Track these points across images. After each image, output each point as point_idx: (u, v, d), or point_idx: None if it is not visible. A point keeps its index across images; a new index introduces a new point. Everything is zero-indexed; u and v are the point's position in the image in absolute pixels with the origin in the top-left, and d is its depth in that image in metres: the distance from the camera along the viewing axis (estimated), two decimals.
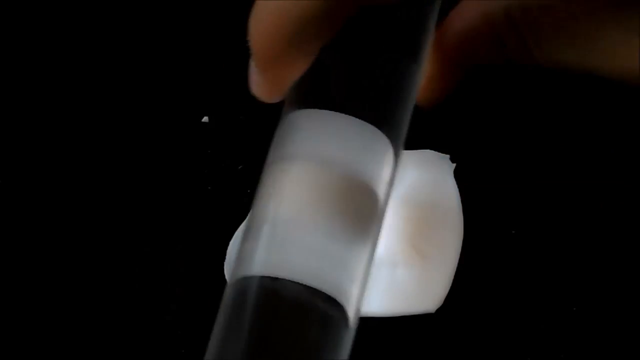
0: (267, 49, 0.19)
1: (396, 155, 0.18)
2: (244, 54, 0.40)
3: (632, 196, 0.30)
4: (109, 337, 0.26)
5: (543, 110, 0.32)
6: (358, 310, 0.17)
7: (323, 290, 0.16)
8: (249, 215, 0.30)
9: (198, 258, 0.28)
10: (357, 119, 0.18)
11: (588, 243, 0.29)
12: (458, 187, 0.30)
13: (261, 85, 0.21)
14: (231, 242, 0.29)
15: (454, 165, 0.31)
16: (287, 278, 0.16)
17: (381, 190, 0.18)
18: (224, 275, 0.28)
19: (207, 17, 0.38)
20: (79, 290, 0.28)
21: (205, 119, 0.34)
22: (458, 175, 0.31)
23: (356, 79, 0.19)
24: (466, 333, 0.26)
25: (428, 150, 0.29)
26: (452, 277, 0.27)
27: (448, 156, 0.30)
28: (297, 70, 0.19)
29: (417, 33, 0.19)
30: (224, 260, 0.28)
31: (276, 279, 0.16)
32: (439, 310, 0.27)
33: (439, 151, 0.30)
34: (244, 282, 0.17)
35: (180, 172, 0.32)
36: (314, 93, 0.20)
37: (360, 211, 0.17)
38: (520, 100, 0.32)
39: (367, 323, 0.26)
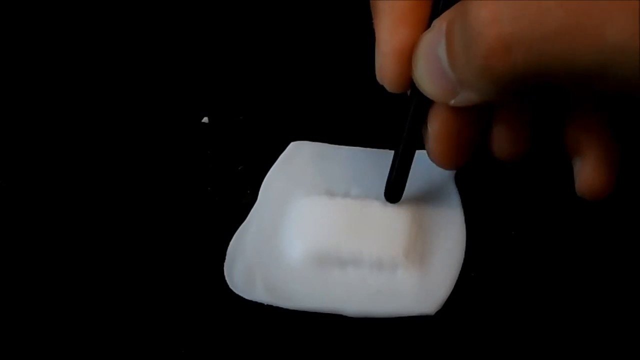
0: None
1: None
2: (244, 54, 0.40)
3: (632, 196, 0.30)
4: (108, 337, 0.26)
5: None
6: None
7: None
8: (249, 215, 0.30)
9: (198, 258, 0.28)
10: None
11: (588, 243, 0.29)
12: (458, 187, 0.30)
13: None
14: (231, 243, 0.29)
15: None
16: None
17: None
18: (224, 276, 0.28)
19: (207, 17, 0.38)
20: (79, 290, 0.27)
21: (205, 119, 0.34)
22: (458, 175, 0.31)
23: None
24: (466, 335, 0.26)
25: None
26: (454, 281, 0.27)
27: None
28: None
29: None
30: (224, 261, 0.28)
31: None
32: (438, 312, 0.27)
33: None
34: None
35: (180, 172, 0.32)
36: None
37: None
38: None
39: (366, 324, 0.26)
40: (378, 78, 0.25)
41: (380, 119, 0.33)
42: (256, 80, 0.35)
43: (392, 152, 0.32)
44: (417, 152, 0.32)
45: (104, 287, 0.28)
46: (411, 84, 0.24)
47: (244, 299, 0.27)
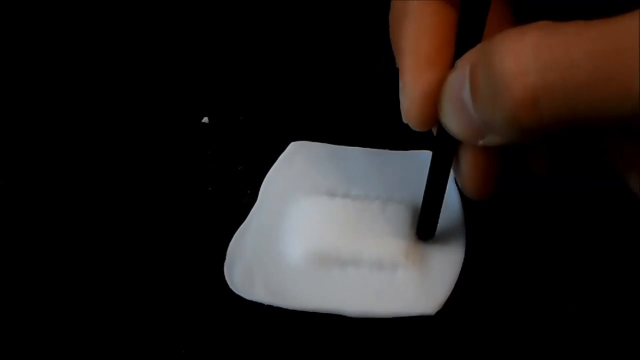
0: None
1: None
2: (244, 54, 0.40)
3: (631, 197, 0.30)
4: (109, 337, 0.26)
5: None
6: None
7: None
8: (249, 215, 0.30)
9: (198, 258, 0.28)
10: None
11: (588, 244, 0.29)
12: (458, 188, 0.30)
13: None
14: (231, 243, 0.29)
15: None
16: None
17: None
18: (224, 276, 0.28)
19: (207, 17, 0.38)
20: (79, 290, 0.28)
21: (205, 119, 0.34)
22: None
23: None
24: (466, 335, 0.26)
25: (429, 151, 0.29)
26: (454, 281, 0.27)
27: None
28: None
29: None
30: (224, 261, 0.28)
31: None
32: (438, 312, 0.27)
33: None
34: None
35: (180, 172, 0.32)
36: None
37: None
38: None
39: (366, 324, 0.26)
40: (404, 119, 0.24)
41: (380, 119, 0.33)
42: (256, 80, 0.35)
43: (393, 152, 0.32)
44: (417, 151, 0.32)
45: (104, 287, 0.28)
46: (438, 124, 0.24)
47: (244, 299, 0.27)
